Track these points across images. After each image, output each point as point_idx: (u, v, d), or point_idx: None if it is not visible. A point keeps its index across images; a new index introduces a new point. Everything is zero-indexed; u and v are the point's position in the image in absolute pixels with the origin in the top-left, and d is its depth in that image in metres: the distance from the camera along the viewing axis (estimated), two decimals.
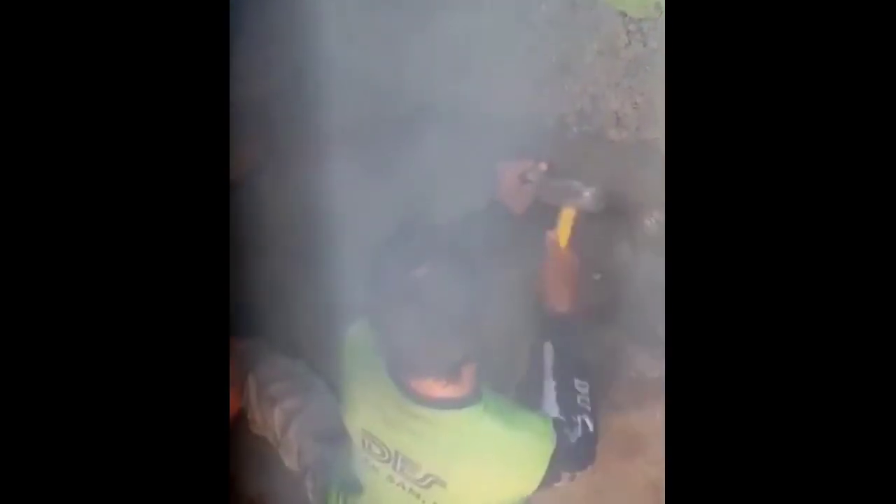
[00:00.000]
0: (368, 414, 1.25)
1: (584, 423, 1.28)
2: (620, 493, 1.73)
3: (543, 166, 1.54)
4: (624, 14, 1.79)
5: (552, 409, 1.29)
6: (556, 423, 1.25)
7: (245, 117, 1.83)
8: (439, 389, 1.17)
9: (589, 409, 1.30)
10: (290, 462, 1.68)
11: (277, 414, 1.66)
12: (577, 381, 1.32)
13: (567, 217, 1.47)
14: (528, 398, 1.30)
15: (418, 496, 1.25)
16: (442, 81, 1.88)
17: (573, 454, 1.26)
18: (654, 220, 1.83)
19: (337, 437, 1.48)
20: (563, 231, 1.47)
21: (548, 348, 1.35)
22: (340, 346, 1.34)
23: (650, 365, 1.76)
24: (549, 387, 1.32)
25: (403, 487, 1.25)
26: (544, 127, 1.85)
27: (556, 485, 1.27)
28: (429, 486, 1.22)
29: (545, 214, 1.62)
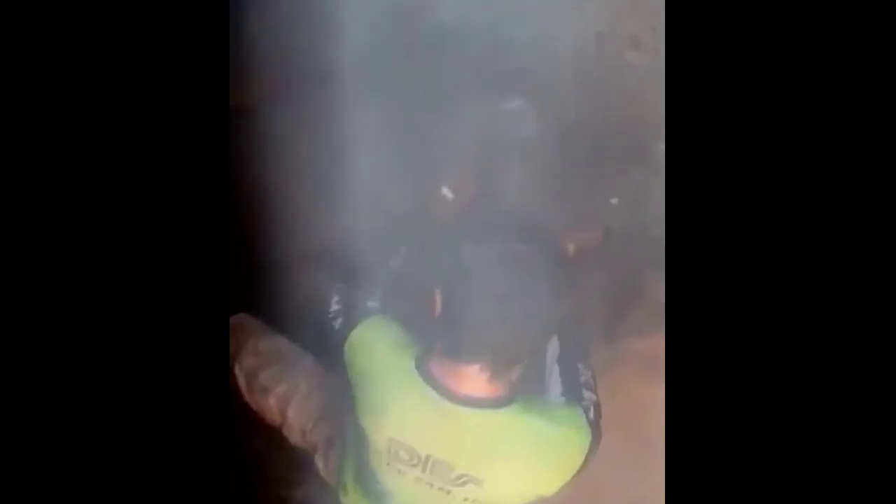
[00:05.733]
0: (396, 419, 1.17)
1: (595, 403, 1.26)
2: (641, 416, 1.72)
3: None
4: None
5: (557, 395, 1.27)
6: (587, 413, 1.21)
7: (258, 44, 1.80)
8: (482, 385, 1.10)
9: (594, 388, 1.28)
10: (296, 441, 1.63)
11: (272, 402, 1.61)
12: (580, 365, 1.30)
13: None
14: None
15: (448, 493, 1.18)
16: (459, 5, 1.81)
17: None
18: None
19: (340, 415, 1.43)
20: None
21: (553, 343, 1.33)
22: (346, 343, 1.24)
23: None
24: (553, 372, 1.31)
25: (432, 486, 1.19)
26: (562, 51, 1.82)
27: None
28: (463, 484, 1.16)
29: None
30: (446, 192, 1.52)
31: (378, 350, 1.20)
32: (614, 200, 1.81)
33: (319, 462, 1.57)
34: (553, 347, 1.34)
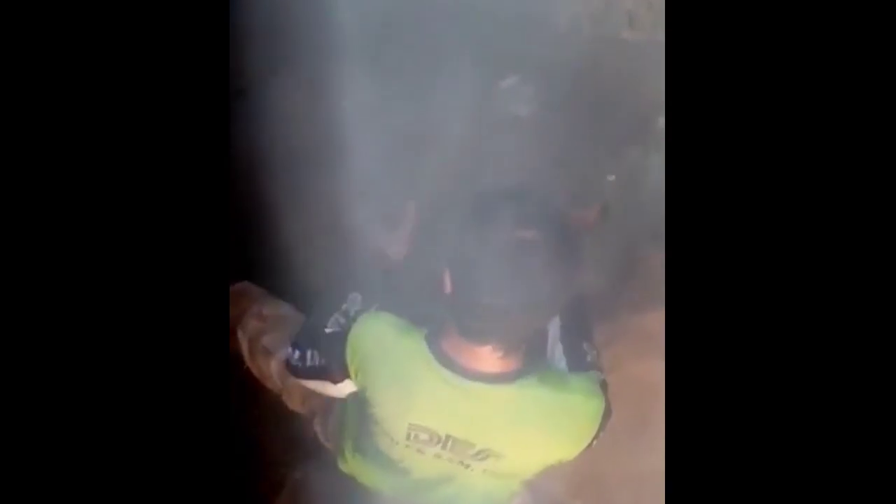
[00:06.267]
0: (415, 405, 1.17)
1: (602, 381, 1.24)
2: (641, 392, 1.72)
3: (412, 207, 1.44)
4: None
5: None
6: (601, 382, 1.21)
7: (255, 20, 1.80)
8: (496, 363, 1.10)
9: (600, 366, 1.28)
10: (294, 406, 1.62)
11: (274, 365, 1.59)
12: (585, 345, 1.30)
13: None
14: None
15: (468, 466, 1.20)
16: None
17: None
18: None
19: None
20: None
21: (554, 321, 1.32)
22: (349, 338, 1.21)
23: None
24: (557, 351, 1.30)
25: (451, 461, 1.20)
26: (558, 28, 1.82)
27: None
28: (483, 459, 1.17)
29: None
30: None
31: (386, 338, 1.19)
32: (611, 177, 1.80)
33: (318, 427, 1.57)
34: (554, 327, 1.34)
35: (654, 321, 1.76)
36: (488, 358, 1.09)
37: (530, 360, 1.14)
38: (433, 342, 1.13)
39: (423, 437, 1.17)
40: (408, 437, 1.18)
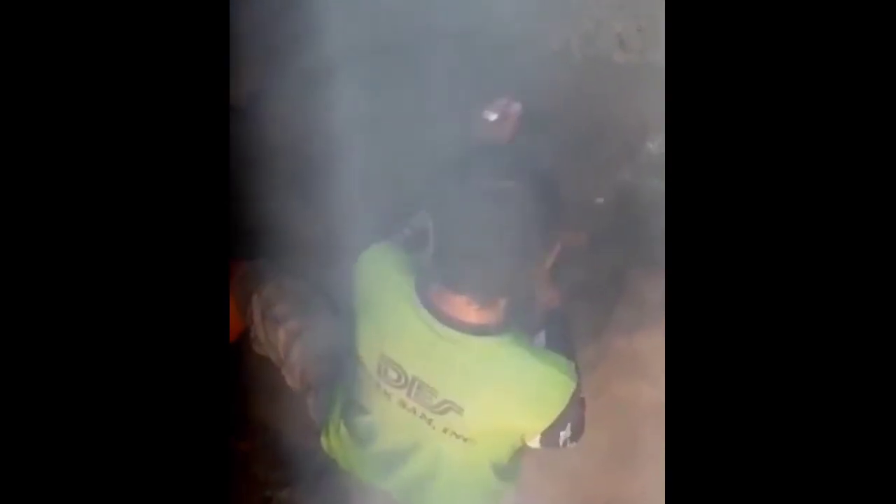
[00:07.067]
0: (389, 338, 1.21)
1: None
2: (624, 414, 1.73)
3: (517, 106, 1.49)
4: None
5: None
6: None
7: (247, 39, 1.78)
8: (472, 314, 1.14)
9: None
10: (292, 381, 1.64)
11: (281, 334, 1.61)
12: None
13: None
14: None
15: (430, 421, 1.21)
16: (446, 4, 1.81)
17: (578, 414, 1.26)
18: (656, 144, 1.82)
19: (339, 358, 1.44)
20: None
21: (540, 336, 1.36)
22: (354, 267, 1.28)
23: (653, 287, 1.75)
24: None
25: (415, 412, 1.22)
26: (548, 50, 1.83)
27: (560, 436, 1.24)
28: (444, 412, 1.19)
29: None
30: (488, 114, 1.49)
31: (383, 271, 1.24)
32: (600, 200, 1.81)
33: (310, 401, 1.60)
34: (539, 341, 1.35)
35: (642, 342, 1.77)
36: (465, 309, 1.14)
37: (509, 323, 1.18)
38: (422, 284, 1.19)
39: (392, 374, 1.21)
40: (378, 371, 1.23)
